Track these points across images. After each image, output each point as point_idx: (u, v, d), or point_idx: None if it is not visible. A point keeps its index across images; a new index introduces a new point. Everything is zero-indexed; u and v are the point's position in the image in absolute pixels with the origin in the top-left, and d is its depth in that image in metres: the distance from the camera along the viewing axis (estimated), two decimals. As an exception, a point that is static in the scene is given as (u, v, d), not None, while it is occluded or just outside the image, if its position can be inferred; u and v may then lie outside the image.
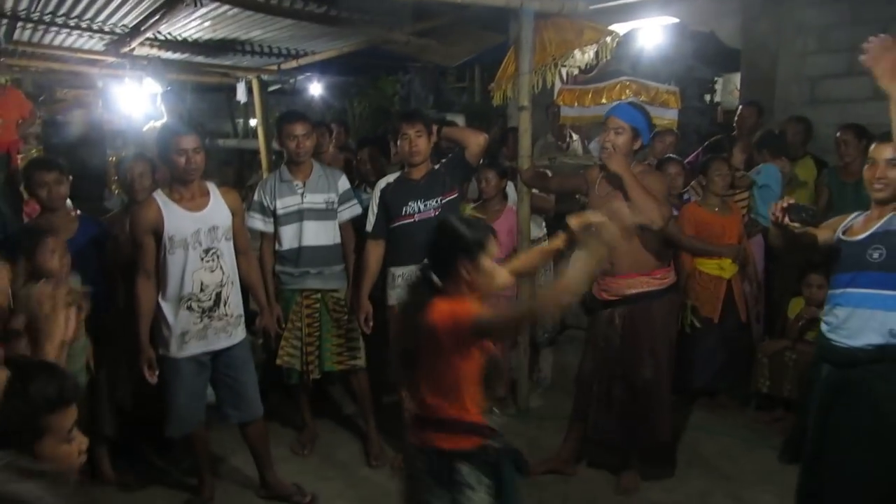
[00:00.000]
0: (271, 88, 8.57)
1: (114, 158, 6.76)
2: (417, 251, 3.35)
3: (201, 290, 2.98)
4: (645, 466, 3.41)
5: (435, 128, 3.46)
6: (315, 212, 3.61)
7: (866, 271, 2.32)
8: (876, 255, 2.31)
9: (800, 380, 3.86)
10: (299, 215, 3.59)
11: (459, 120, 8.18)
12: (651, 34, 5.49)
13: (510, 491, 1.99)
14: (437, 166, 3.49)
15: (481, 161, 4.48)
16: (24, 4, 4.36)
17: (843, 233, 2.47)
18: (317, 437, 3.90)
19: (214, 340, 3.04)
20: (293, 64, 6.29)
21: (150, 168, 3.49)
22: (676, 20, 5.34)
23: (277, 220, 3.60)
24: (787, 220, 2.34)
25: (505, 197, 4.26)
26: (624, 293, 3.20)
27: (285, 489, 3.29)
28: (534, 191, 4.18)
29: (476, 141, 3.40)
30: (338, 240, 3.68)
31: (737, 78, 7.77)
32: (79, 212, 3.43)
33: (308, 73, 7.85)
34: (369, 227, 3.54)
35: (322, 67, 6.71)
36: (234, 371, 3.12)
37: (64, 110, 8.64)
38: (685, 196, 4.33)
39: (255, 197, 3.66)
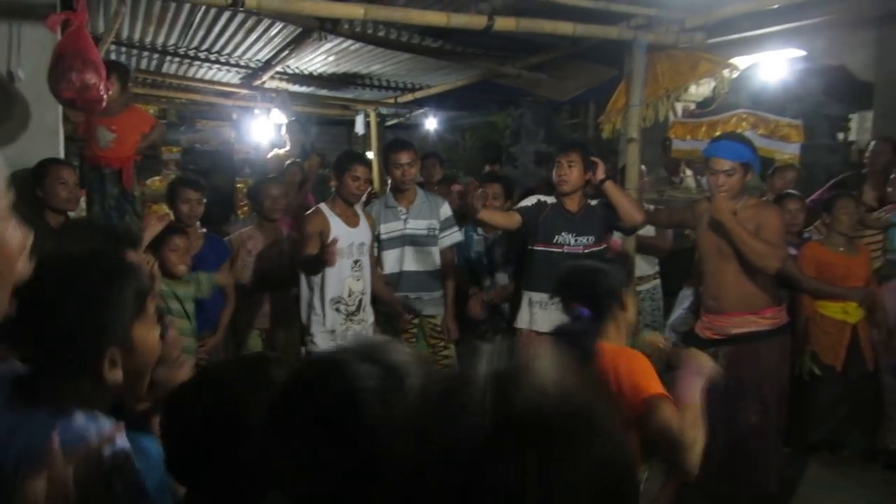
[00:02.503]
0: (388, 123, 8.98)
1: (241, 185, 7.29)
2: (547, 278, 3.38)
3: (349, 294, 3.35)
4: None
5: (601, 172, 3.37)
6: (417, 237, 3.72)
7: None
8: None
9: (936, 440, 3.51)
10: (402, 240, 3.71)
11: (570, 154, 8.15)
12: (775, 68, 5.26)
13: None
14: (594, 203, 3.47)
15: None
16: (172, 40, 4.84)
17: None
18: None
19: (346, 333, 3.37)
20: (409, 97, 6.55)
21: (285, 192, 3.76)
22: (803, 53, 5.09)
23: (381, 245, 3.71)
24: None
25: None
26: (729, 332, 3.05)
27: None
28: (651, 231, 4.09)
29: (632, 217, 3.32)
30: (438, 266, 3.75)
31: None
32: (205, 230, 3.73)
33: (423, 109, 8.16)
34: None
35: (436, 101, 6.94)
36: None
37: (201, 140, 9.42)
38: (806, 235, 4.08)
39: None
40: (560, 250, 3.38)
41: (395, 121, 9.91)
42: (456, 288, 3.82)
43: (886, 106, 4.93)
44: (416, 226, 3.72)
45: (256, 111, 7.06)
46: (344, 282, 3.35)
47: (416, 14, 3.55)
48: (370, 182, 3.50)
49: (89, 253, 1.19)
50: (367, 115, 7.49)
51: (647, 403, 1.71)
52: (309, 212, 3.51)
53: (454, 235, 3.81)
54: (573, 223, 3.41)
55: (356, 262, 3.38)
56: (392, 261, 3.72)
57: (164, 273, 3.09)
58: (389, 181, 3.86)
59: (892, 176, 4.32)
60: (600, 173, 3.36)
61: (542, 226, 3.44)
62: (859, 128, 9.14)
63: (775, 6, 3.89)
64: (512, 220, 3.48)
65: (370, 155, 8.51)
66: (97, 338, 1.07)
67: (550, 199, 3.51)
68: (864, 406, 3.80)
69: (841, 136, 9.15)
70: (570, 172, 3.36)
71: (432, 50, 4.75)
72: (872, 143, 4.67)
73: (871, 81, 5.00)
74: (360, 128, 7.78)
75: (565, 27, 3.70)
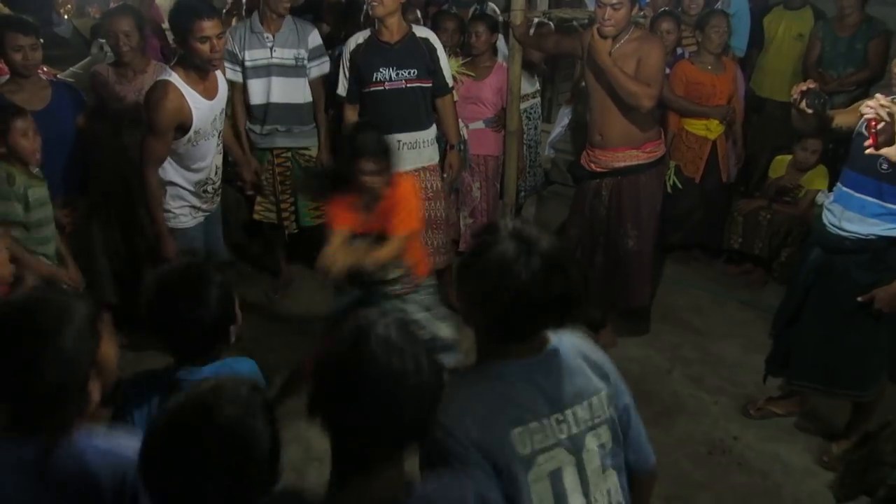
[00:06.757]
0: None
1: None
2: (390, 120, 3.30)
3: (215, 173, 2.99)
4: (622, 322, 3.66)
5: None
6: (284, 68, 3.51)
7: (874, 179, 2.38)
8: (886, 166, 2.33)
9: (771, 239, 4.05)
10: (268, 70, 3.49)
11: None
12: None
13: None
14: (420, 34, 3.32)
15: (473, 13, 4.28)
16: None
17: (865, 127, 2.46)
18: (290, 283, 4.07)
19: (211, 205, 3.09)
20: None
21: (137, 24, 3.24)
22: None
23: (245, 73, 3.48)
24: (804, 104, 2.33)
25: (495, 52, 4.10)
26: (612, 166, 3.24)
27: None
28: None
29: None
30: (308, 98, 3.61)
31: None
32: (54, 75, 3.24)
33: None
34: (342, 90, 3.44)
35: None
36: (213, 224, 3.17)
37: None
38: (679, 51, 4.21)
39: (226, 45, 3.45)
40: (382, 88, 3.29)
41: None
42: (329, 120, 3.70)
43: None
44: (283, 55, 3.49)
45: None
46: (211, 161, 2.91)
47: None
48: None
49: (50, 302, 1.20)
50: None
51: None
52: (154, 87, 2.66)
53: (323, 66, 3.62)
54: (390, 55, 3.26)
55: (218, 134, 2.91)
56: (258, 92, 3.52)
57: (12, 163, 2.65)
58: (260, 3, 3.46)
59: None
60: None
61: (362, 66, 3.30)
62: None
63: None
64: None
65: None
66: (83, 372, 1.17)
67: (364, 35, 3.33)
68: (715, 211, 4.27)
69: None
70: None
71: None
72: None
73: None
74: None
75: None
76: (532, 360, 1.33)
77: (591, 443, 1.35)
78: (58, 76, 3.53)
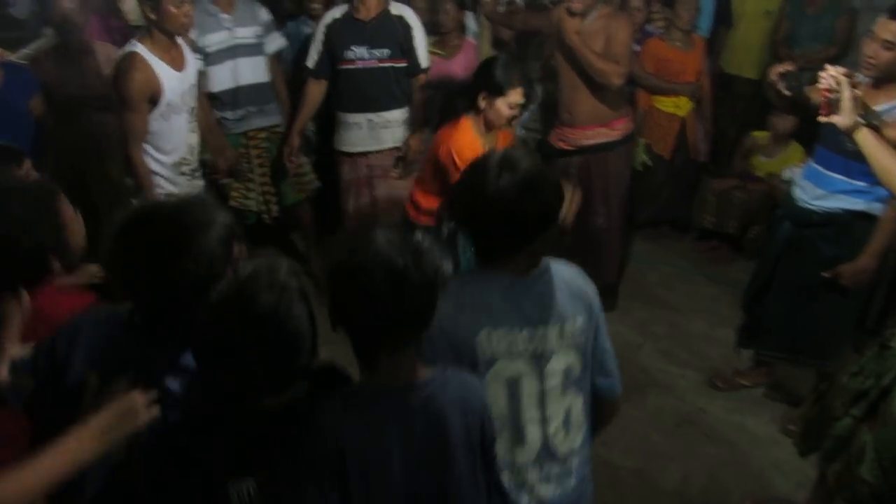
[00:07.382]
0: None
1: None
2: (361, 99, 3.31)
3: (191, 153, 2.90)
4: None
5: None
6: (247, 47, 3.40)
7: (842, 157, 2.40)
8: (850, 144, 2.36)
9: (743, 217, 4.07)
10: (232, 52, 3.36)
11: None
12: None
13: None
14: (395, 12, 3.26)
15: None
16: None
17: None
18: None
19: (191, 189, 2.98)
20: None
21: (81, 3, 3.14)
22: None
23: (207, 60, 3.34)
24: (781, 85, 2.34)
25: (464, 30, 4.05)
26: (581, 144, 3.23)
27: None
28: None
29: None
30: (270, 76, 3.53)
31: None
32: (5, 57, 3.13)
33: None
34: (311, 63, 3.37)
35: None
36: None
37: None
38: (647, 29, 4.21)
39: None
40: (353, 66, 3.25)
41: None
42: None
43: None
44: (244, 34, 3.38)
45: None
46: (184, 140, 2.84)
47: None
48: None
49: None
50: None
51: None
52: (121, 60, 2.64)
53: (279, 40, 3.57)
54: (363, 33, 3.21)
55: (191, 110, 2.85)
56: (225, 76, 3.38)
57: None
58: None
59: None
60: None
61: (335, 43, 3.25)
62: None
63: None
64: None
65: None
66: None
67: (341, 10, 3.28)
68: (684, 188, 4.30)
69: None
70: None
71: None
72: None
73: None
74: None
75: None
76: (516, 277, 1.44)
77: (556, 363, 1.45)
78: (10, 59, 3.42)
